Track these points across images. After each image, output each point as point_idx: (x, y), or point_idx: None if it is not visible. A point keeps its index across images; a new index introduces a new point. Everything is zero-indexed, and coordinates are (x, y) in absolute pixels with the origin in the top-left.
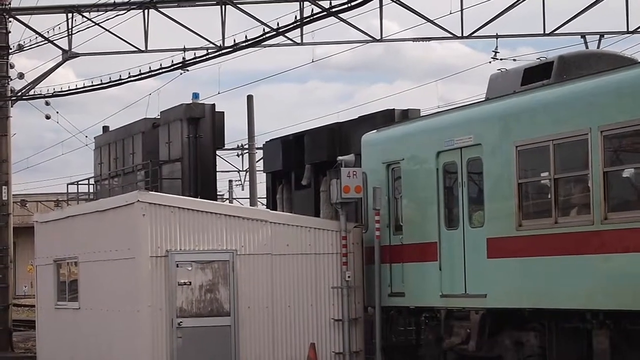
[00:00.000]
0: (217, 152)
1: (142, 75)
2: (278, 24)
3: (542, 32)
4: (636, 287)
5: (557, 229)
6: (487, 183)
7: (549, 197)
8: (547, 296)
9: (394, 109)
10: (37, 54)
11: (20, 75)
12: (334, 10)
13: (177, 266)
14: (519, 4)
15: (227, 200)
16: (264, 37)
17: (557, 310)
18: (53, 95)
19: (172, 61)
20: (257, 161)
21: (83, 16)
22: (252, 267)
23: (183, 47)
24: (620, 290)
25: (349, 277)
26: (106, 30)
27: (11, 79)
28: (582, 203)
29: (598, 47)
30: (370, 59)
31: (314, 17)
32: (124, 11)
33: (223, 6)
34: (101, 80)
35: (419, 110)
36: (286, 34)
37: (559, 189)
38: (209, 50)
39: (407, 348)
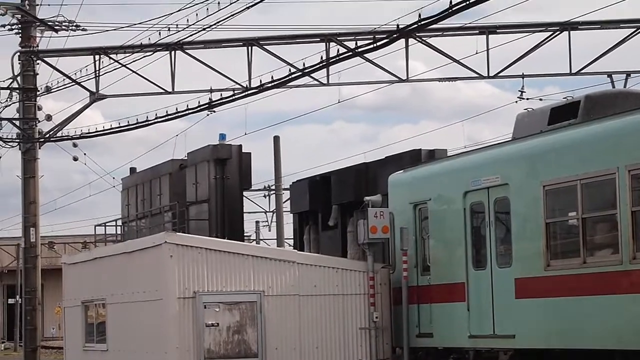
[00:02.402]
0: (244, 193)
1: (169, 117)
2: (304, 65)
3: (568, 72)
4: None
5: (586, 268)
6: (515, 223)
7: (577, 236)
8: (576, 336)
9: (420, 149)
10: (64, 96)
11: (48, 117)
12: (359, 50)
13: (205, 307)
14: (544, 43)
15: (254, 241)
16: (290, 77)
17: (586, 351)
18: (80, 137)
19: (199, 102)
20: (284, 202)
21: (110, 58)
22: (279, 308)
23: (209, 88)
24: None
25: (376, 317)
26: (133, 71)
27: (39, 121)
28: (610, 243)
29: (625, 86)
30: (396, 99)
31: (340, 57)
32: (151, 53)
33: (249, 47)
34: (128, 122)
35: (446, 150)
36: (312, 75)
37: (587, 229)
38: (236, 91)
39: None
